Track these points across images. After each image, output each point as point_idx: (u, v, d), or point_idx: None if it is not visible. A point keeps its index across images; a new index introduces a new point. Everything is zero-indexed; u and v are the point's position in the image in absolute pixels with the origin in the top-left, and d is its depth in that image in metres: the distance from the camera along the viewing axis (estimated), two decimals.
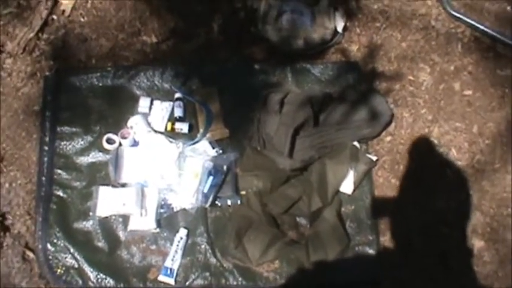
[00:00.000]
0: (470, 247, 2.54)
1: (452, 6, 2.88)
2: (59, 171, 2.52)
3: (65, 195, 2.48)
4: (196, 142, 2.53)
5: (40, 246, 2.40)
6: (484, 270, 2.51)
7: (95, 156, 2.55)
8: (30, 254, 2.40)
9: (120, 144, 2.52)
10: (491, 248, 2.53)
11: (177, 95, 2.60)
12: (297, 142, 2.48)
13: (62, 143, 2.55)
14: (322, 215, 2.47)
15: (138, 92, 2.64)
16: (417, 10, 2.91)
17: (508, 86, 2.77)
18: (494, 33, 2.84)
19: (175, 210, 2.47)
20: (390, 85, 2.73)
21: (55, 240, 2.41)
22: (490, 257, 2.51)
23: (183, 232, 2.42)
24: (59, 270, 2.37)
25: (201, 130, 2.53)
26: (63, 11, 2.77)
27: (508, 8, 2.93)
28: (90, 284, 2.37)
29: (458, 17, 2.88)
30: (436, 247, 2.51)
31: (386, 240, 2.52)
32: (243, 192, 2.51)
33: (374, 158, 2.55)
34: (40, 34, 2.73)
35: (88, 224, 2.45)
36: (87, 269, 2.39)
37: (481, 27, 2.86)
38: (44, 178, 2.49)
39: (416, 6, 2.92)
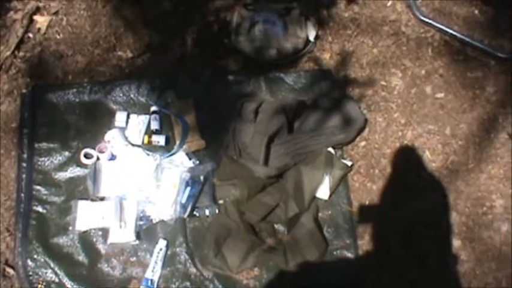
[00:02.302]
0: (448, 247, 2.58)
1: (421, 11, 2.94)
2: (38, 187, 2.53)
3: (44, 211, 2.50)
4: (173, 154, 2.55)
5: (20, 263, 2.40)
6: (462, 269, 2.54)
7: (73, 171, 2.56)
8: (11, 271, 2.41)
9: (98, 159, 2.54)
10: (468, 247, 2.56)
11: (153, 108, 2.63)
12: (272, 150, 2.51)
13: (40, 159, 2.56)
14: (299, 221, 2.49)
15: (114, 107, 2.66)
16: (387, 17, 2.96)
17: (478, 88, 2.82)
18: (464, 37, 2.90)
19: (154, 221, 2.49)
20: (363, 91, 2.77)
21: (35, 256, 2.42)
22: (467, 255, 2.55)
23: (162, 243, 2.44)
24: (39, 286, 2.38)
25: (178, 142, 2.56)
26: (39, 28, 2.80)
27: (476, 11, 2.99)
28: None
29: (428, 22, 2.93)
30: (413, 248, 2.54)
31: (364, 243, 2.55)
32: (221, 202, 2.53)
33: (349, 163, 2.59)
34: (16, 52, 2.76)
35: (68, 239, 2.46)
36: (68, 283, 2.41)
37: (450, 31, 2.91)
38: (22, 194, 2.51)
39: (386, 12, 2.97)
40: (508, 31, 2.95)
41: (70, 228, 2.46)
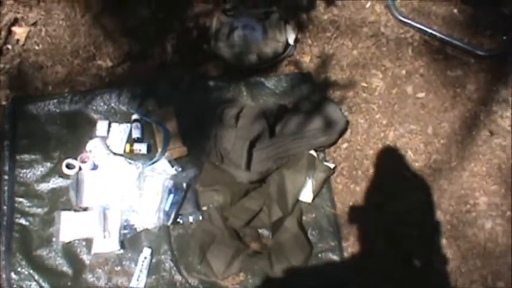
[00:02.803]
0: (432, 246, 2.59)
1: (400, 12, 2.96)
2: (20, 199, 2.53)
3: (27, 223, 2.50)
4: (155, 162, 2.56)
5: (4, 276, 2.40)
6: (447, 267, 2.56)
7: (55, 182, 2.57)
8: None
9: (80, 169, 2.55)
10: (453, 245, 2.58)
11: (134, 116, 2.64)
12: (254, 155, 2.52)
13: (22, 171, 2.57)
14: (283, 225, 2.50)
15: (95, 116, 2.67)
16: (366, 18, 2.98)
17: (459, 86, 2.85)
18: (443, 36, 2.93)
19: (138, 230, 2.50)
20: (344, 93, 2.79)
21: (19, 269, 2.42)
22: (452, 253, 2.57)
23: (147, 252, 2.45)
24: None
25: (160, 150, 2.57)
26: (18, 40, 2.80)
27: (455, 10, 3.02)
28: None
29: (407, 22, 2.96)
30: (398, 248, 2.55)
31: (349, 245, 2.57)
32: (204, 208, 2.54)
33: (332, 166, 2.60)
34: None
35: (51, 250, 2.46)
36: None
37: (430, 30, 2.94)
38: (5, 207, 2.50)
39: (365, 14, 2.99)
40: (487, 29, 2.98)
41: (54, 239, 2.46)
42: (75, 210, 2.50)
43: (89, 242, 2.47)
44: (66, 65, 2.79)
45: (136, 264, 2.44)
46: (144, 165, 2.54)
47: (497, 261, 2.55)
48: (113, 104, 2.69)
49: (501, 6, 3.00)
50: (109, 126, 2.65)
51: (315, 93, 2.78)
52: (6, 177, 2.56)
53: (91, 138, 2.61)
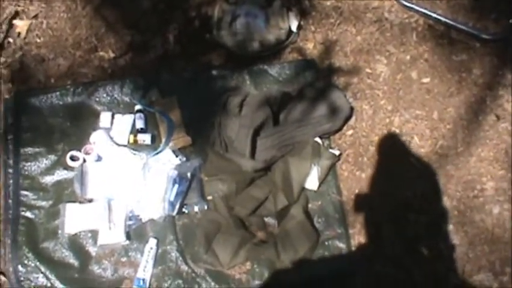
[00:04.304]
0: (440, 232, 2.61)
1: None
2: (25, 192, 2.56)
3: (32, 216, 2.53)
4: (160, 152, 2.59)
5: (11, 269, 2.43)
6: (455, 253, 2.56)
7: (60, 175, 2.59)
8: (2, 277, 2.44)
9: (84, 161, 2.58)
10: (460, 231, 2.60)
11: (138, 107, 2.66)
12: (258, 143, 2.53)
13: (27, 164, 2.59)
14: (289, 213, 2.52)
15: (98, 108, 2.70)
16: (370, 3, 2.99)
17: (464, 71, 2.86)
18: (447, 20, 2.94)
19: (143, 221, 2.52)
20: (348, 79, 2.81)
21: (25, 261, 2.45)
22: (459, 239, 2.58)
23: (152, 242, 2.48)
24: None
25: (164, 140, 2.60)
26: (19, 33, 2.82)
27: None
28: None
29: (411, 7, 2.97)
30: (405, 235, 2.57)
31: (355, 232, 2.59)
32: (210, 197, 2.56)
33: (337, 153, 2.62)
34: None
35: (58, 243, 2.49)
36: (60, 287, 2.44)
37: (434, 15, 2.95)
38: (10, 201, 2.53)
39: None
40: (492, 13, 2.98)
41: (59, 231, 2.49)
42: (80, 202, 2.53)
43: (94, 234, 2.50)
44: (68, 57, 2.81)
45: (142, 255, 2.47)
46: (149, 155, 2.57)
47: (505, 247, 2.57)
48: (116, 95, 2.72)
49: None
50: (112, 117, 2.67)
51: (319, 80, 2.79)
52: (10, 170, 2.59)
53: (94, 129, 2.63)
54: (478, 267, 2.55)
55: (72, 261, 2.47)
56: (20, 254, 2.46)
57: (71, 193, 2.55)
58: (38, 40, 2.85)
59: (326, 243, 2.54)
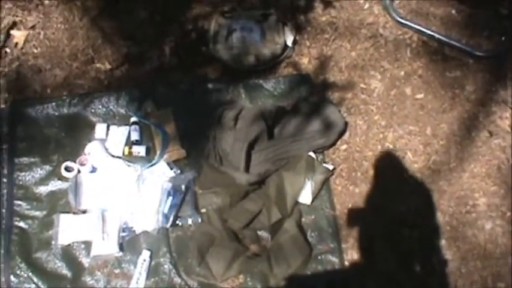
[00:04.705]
0: (432, 247, 2.64)
1: (398, 13, 3.02)
2: (19, 202, 2.58)
3: (26, 226, 2.54)
4: (154, 164, 2.61)
5: (3, 279, 2.44)
6: (448, 269, 2.60)
7: (54, 185, 2.61)
8: None
9: (79, 171, 2.60)
10: (453, 246, 2.63)
11: (133, 119, 2.69)
12: (253, 156, 2.57)
13: (21, 174, 2.62)
14: (282, 227, 2.55)
15: (94, 119, 2.72)
16: (365, 19, 3.04)
17: (457, 87, 2.91)
18: (441, 37, 2.99)
19: (137, 232, 2.54)
20: (342, 94, 2.85)
21: (18, 272, 2.46)
22: (452, 254, 2.61)
23: (146, 254, 2.50)
24: None
25: (158, 152, 2.62)
26: (16, 43, 2.86)
27: (453, 11, 3.08)
28: None
29: (405, 24, 3.02)
30: (398, 250, 2.60)
31: (349, 247, 2.61)
32: (203, 210, 2.59)
33: (331, 167, 2.65)
34: None
35: (51, 253, 2.51)
36: None
37: (428, 31, 3.00)
38: (4, 210, 2.55)
39: (363, 15, 3.05)
40: (485, 30, 3.04)
41: (53, 242, 2.50)
42: (74, 213, 2.55)
43: (88, 245, 2.52)
44: (65, 68, 2.84)
45: (135, 267, 2.49)
46: (143, 167, 2.60)
47: (497, 262, 2.60)
48: (111, 107, 2.75)
49: (499, 7, 3.05)
50: (108, 129, 2.70)
51: (313, 95, 2.83)
52: (5, 180, 2.61)
53: (90, 141, 2.66)
54: (471, 283, 2.58)
55: (65, 272, 2.49)
56: (13, 264, 2.48)
57: (65, 204, 2.57)
58: (35, 50, 2.88)
59: (319, 257, 2.56)
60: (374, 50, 2.96)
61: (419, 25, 3.01)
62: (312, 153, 2.66)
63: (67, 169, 2.58)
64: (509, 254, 2.61)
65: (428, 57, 2.95)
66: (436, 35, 2.98)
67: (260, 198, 2.60)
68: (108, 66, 2.85)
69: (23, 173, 2.62)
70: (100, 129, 2.68)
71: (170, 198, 2.52)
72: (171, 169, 2.60)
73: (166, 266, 2.51)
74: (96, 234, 2.47)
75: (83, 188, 2.57)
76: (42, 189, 2.61)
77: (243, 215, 2.56)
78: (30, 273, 2.47)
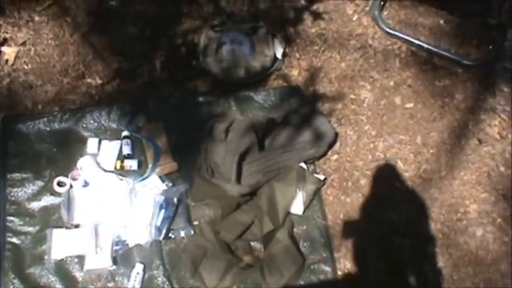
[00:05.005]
0: (424, 254, 2.68)
1: (387, 24, 3.08)
2: (12, 218, 2.61)
3: (19, 242, 2.57)
4: (146, 178, 2.65)
5: None
6: (440, 276, 2.63)
7: (46, 200, 2.64)
8: None
9: (71, 186, 2.63)
10: (445, 253, 2.67)
11: (125, 133, 2.73)
12: (244, 168, 2.60)
13: (13, 190, 2.65)
14: (275, 237, 2.58)
15: (85, 134, 2.77)
16: (354, 31, 3.10)
17: (447, 96, 2.96)
18: (430, 47, 3.05)
19: (130, 246, 2.57)
20: (332, 105, 2.90)
21: (11, 287, 2.47)
22: (444, 262, 2.65)
23: (139, 267, 2.53)
24: None
25: (150, 165, 2.66)
26: (7, 60, 2.90)
27: (441, 21, 3.14)
28: None
29: (394, 34, 3.07)
30: (390, 258, 2.63)
31: (341, 256, 2.65)
32: (196, 222, 2.62)
33: (322, 178, 2.70)
34: None
35: (44, 268, 2.53)
36: None
37: (417, 41, 3.06)
38: None
39: (352, 27, 3.11)
40: (474, 39, 3.10)
41: (46, 257, 2.53)
42: (67, 228, 2.58)
43: (81, 259, 2.54)
44: (56, 83, 2.88)
45: (129, 280, 2.51)
46: (135, 181, 2.64)
47: (489, 269, 2.64)
48: (103, 122, 2.79)
49: (487, 17, 3.11)
50: (99, 143, 2.74)
51: (303, 106, 2.87)
52: None
53: (82, 155, 2.70)
54: None
55: (59, 286, 2.51)
56: (6, 280, 2.50)
57: (58, 219, 2.60)
58: (26, 67, 2.92)
59: (312, 267, 2.59)
60: (363, 61, 3.01)
61: (408, 35, 3.06)
62: (303, 164, 2.69)
63: (59, 184, 2.61)
64: (500, 260, 2.65)
65: (417, 67, 3.01)
66: (425, 45, 3.04)
67: (252, 210, 2.63)
68: (99, 82, 2.88)
69: (15, 189, 2.65)
70: (92, 143, 2.71)
71: (163, 211, 2.55)
72: (163, 182, 2.64)
73: (159, 279, 2.54)
74: (89, 249, 2.49)
75: (75, 202, 2.60)
76: (35, 205, 2.64)
77: (235, 226, 2.59)
78: None
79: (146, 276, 2.54)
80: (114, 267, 2.53)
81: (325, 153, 2.75)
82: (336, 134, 2.78)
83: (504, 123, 2.88)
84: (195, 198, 2.65)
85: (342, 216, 2.71)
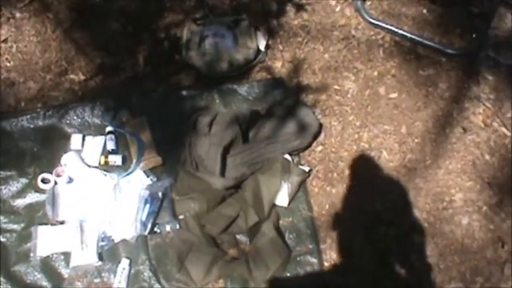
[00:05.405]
0: (410, 244, 2.70)
1: (370, 14, 3.11)
2: None
3: (4, 240, 2.59)
4: (131, 173, 2.68)
5: None
6: (426, 265, 2.66)
7: (31, 197, 2.67)
8: None
9: (56, 183, 2.66)
10: (431, 242, 2.70)
11: (108, 128, 2.75)
12: (228, 161, 2.63)
13: None
14: (260, 230, 2.61)
15: (69, 130, 2.79)
16: (337, 22, 3.13)
17: (431, 85, 2.99)
18: (414, 36, 3.08)
19: (115, 241, 2.60)
20: (316, 96, 2.93)
21: None
22: (430, 251, 2.68)
23: (125, 262, 2.55)
24: None
25: (134, 160, 2.69)
26: None
27: (424, 11, 3.17)
28: None
29: (378, 24, 3.10)
30: (377, 248, 2.67)
31: (327, 247, 2.68)
32: (181, 217, 2.65)
33: (307, 169, 2.73)
34: None
35: (29, 266, 2.55)
36: None
37: (400, 31, 3.08)
38: None
39: (335, 18, 3.14)
40: (457, 28, 3.13)
41: (31, 254, 2.55)
42: (52, 224, 2.60)
43: (67, 256, 2.57)
44: (38, 80, 2.90)
45: (115, 276, 2.54)
46: (120, 176, 2.66)
47: (475, 257, 2.67)
48: (86, 117, 2.81)
49: (469, 5, 3.14)
50: (83, 139, 2.77)
51: (287, 98, 2.90)
52: None
53: (65, 152, 2.72)
54: (449, 278, 2.64)
55: (45, 283, 2.53)
56: None
57: (43, 215, 2.62)
58: (8, 64, 2.93)
59: (298, 258, 2.62)
60: (347, 52, 3.04)
61: (391, 25, 3.09)
62: (287, 156, 2.72)
63: (44, 181, 2.64)
64: (486, 248, 2.68)
65: (401, 57, 3.04)
66: (408, 35, 3.07)
67: (237, 202, 2.66)
68: (82, 77, 2.91)
69: (0, 187, 2.63)
70: (75, 139, 2.74)
71: (148, 205, 2.58)
72: (148, 177, 2.67)
73: (146, 274, 2.56)
74: (74, 245, 2.52)
75: (60, 199, 2.62)
76: (20, 202, 2.66)
77: (221, 219, 2.61)
78: (9, 287, 2.51)
79: (132, 271, 2.56)
80: (100, 263, 2.55)
81: (309, 145, 2.78)
82: (320, 125, 2.81)
83: (488, 112, 2.90)
84: (179, 192, 2.67)
85: (327, 207, 2.73)
